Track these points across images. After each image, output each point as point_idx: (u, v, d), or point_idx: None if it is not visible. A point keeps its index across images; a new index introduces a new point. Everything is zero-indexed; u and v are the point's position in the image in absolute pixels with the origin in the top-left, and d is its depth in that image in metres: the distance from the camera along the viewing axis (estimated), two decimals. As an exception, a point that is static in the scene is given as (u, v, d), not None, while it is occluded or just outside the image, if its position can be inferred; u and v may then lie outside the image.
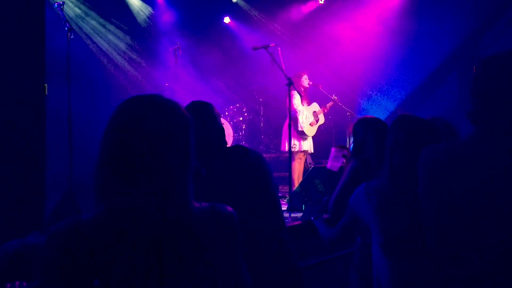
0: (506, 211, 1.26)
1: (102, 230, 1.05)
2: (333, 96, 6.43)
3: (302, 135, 6.15)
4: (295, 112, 5.99)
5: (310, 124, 6.20)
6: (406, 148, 1.96)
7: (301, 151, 6.18)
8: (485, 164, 1.31)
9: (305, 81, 6.21)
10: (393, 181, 1.96)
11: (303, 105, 6.21)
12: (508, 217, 1.26)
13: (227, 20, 9.25)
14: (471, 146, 1.36)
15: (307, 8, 8.96)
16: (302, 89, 6.13)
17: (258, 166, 2.13)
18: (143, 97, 1.15)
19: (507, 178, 1.27)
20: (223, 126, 2.25)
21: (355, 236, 2.36)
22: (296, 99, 6.00)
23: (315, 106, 6.40)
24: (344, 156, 3.22)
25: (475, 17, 7.13)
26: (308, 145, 6.24)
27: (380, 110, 8.20)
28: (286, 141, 6.04)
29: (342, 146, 3.37)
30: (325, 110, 6.42)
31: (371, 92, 8.37)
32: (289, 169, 4.71)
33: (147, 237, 1.06)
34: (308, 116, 6.22)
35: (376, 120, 2.81)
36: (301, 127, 6.08)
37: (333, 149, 3.29)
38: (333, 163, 3.22)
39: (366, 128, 2.72)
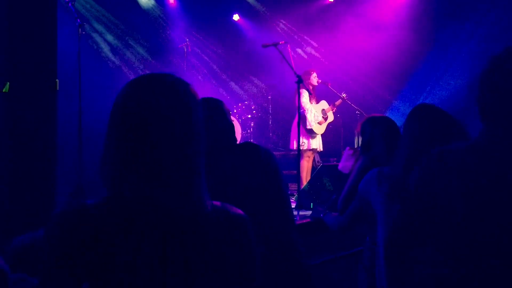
0: None
1: (107, 216, 1.01)
2: (342, 94, 6.41)
3: (311, 133, 6.14)
4: (304, 110, 5.98)
5: (318, 122, 6.18)
6: (425, 138, 1.92)
7: (310, 149, 6.17)
8: (497, 165, 1.29)
9: (314, 79, 6.19)
10: (408, 170, 1.93)
11: (312, 103, 6.20)
12: None
13: (236, 17, 9.24)
14: (482, 146, 1.34)
15: (317, 5, 8.92)
16: (311, 87, 6.12)
17: (268, 163, 2.13)
18: (152, 78, 1.08)
19: None
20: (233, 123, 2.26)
21: (366, 232, 2.35)
22: (305, 97, 5.99)
23: (323, 104, 6.38)
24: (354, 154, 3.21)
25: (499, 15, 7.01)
26: (317, 143, 6.23)
27: (394, 111, 8.13)
28: (295, 139, 6.04)
29: (356, 148, 3.35)
30: (334, 109, 6.40)
31: (383, 91, 8.32)
32: (297, 167, 4.70)
33: (154, 228, 1.01)
34: (316, 114, 6.20)
35: (384, 118, 2.80)
36: (309, 125, 6.06)
37: (347, 149, 3.28)
38: (345, 163, 3.20)
39: (373, 126, 2.71)
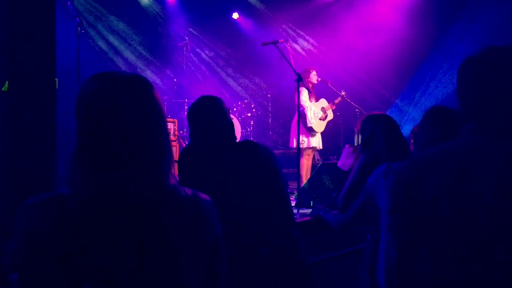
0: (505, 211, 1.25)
1: (83, 206, 1.02)
2: (342, 92, 6.41)
3: (310, 131, 6.14)
4: (303, 108, 5.98)
5: (319, 119, 6.19)
6: (438, 141, 1.93)
7: (309, 148, 6.18)
8: (496, 163, 1.29)
9: (314, 77, 6.19)
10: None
11: (311, 101, 6.20)
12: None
13: (235, 15, 9.24)
14: (479, 145, 1.34)
15: (317, 3, 8.92)
16: (311, 85, 6.12)
17: (268, 161, 2.13)
18: (111, 74, 1.14)
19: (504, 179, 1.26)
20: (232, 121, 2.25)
21: (367, 230, 2.35)
22: (304, 95, 5.98)
23: (323, 102, 6.39)
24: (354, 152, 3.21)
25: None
26: (316, 142, 6.23)
27: (394, 110, 8.11)
28: (295, 138, 6.05)
29: (355, 146, 3.36)
30: (333, 107, 6.41)
31: (384, 90, 8.30)
32: (297, 165, 4.70)
33: (129, 217, 1.05)
34: (316, 112, 6.21)
35: (384, 115, 2.80)
36: (309, 123, 6.07)
37: (346, 146, 3.29)
38: (344, 161, 3.20)
39: (373, 123, 2.71)
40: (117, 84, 1.11)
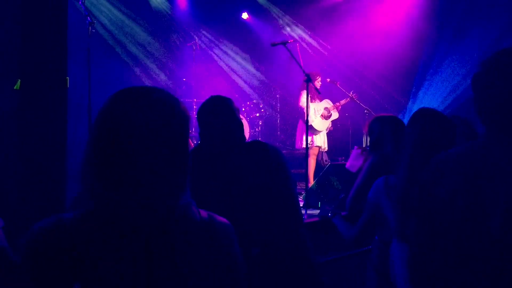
0: None
1: (87, 229, 1.01)
2: (351, 93, 6.41)
3: (313, 130, 6.16)
4: (303, 108, 6.02)
5: (320, 115, 6.21)
6: (425, 145, 1.94)
7: (314, 147, 6.21)
8: (498, 168, 1.29)
9: (318, 83, 6.20)
10: (411, 179, 1.95)
11: (315, 101, 6.24)
12: None
13: (245, 15, 9.25)
14: (482, 148, 1.34)
15: (327, 4, 8.88)
16: (313, 89, 6.15)
17: (277, 161, 2.14)
18: (134, 91, 1.09)
19: None
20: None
21: (375, 231, 2.36)
22: (303, 96, 6.02)
23: (326, 103, 6.41)
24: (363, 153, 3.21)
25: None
26: (321, 141, 6.25)
27: (406, 113, 8.06)
28: (300, 138, 6.11)
29: (364, 147, 3.36)
30: (339, 107, 6.41)
31: (393, 92, 8.24)
32: (305, 165, 4.70)
33: (135, 238, 1.02)
34: (317, 110, 6.23)
35: (392, 117, 2.80)
36: (310, 121, 6.08)
37: (355, 147, 3.29)
38: (353, 162, 3.20)
39: (382, 125, 2.71)
40: (139, 101, 1.06)
